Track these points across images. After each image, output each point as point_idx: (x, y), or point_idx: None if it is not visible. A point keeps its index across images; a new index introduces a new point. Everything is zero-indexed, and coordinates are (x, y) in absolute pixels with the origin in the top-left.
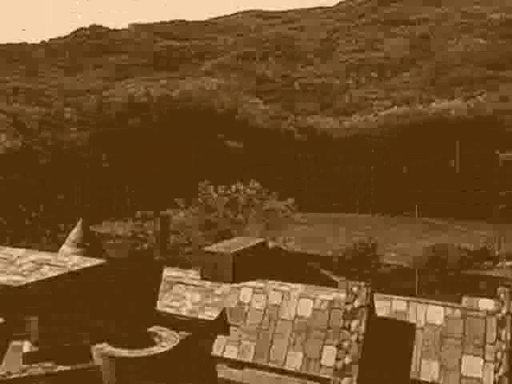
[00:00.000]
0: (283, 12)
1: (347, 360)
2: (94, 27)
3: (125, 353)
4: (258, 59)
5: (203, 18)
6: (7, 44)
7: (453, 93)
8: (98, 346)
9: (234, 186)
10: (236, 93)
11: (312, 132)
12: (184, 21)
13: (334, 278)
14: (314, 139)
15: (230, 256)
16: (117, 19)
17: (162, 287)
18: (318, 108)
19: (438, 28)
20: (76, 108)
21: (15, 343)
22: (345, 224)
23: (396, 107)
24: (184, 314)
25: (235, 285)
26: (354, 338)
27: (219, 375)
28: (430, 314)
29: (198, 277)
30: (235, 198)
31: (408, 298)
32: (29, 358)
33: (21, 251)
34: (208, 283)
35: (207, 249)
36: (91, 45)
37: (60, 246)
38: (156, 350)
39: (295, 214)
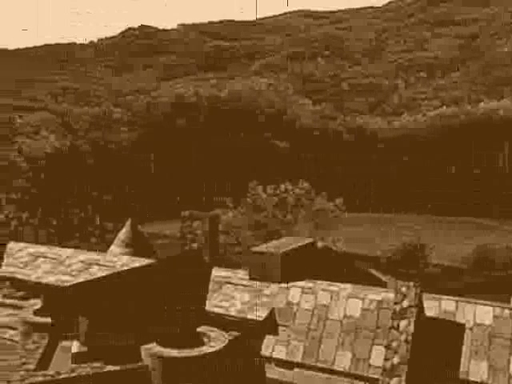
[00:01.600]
0: (331, 12)
1: (396, 360)
2: (142, 27)
3: (174, 353)
4: (306, 59)
5: (252, 18)
6: (56, 44)
7: (502, 93)
8: (146, 346)
9: (282, 186)
10: (284, 93)
11: (361, 132)
12: (233, 21)
13: (383, 278)
14: (362, 139)
15: (279, 256)
16: (165, 19)
17: (210, 287)
18: (367, 108)
19: (487, 28)
20: (125, 108)
21: (64, 343)
22: (393, 224)
23: (445, 107)
24: (233, 314)
25: (284, 285)
26: (402, 337)
27: (268, 375)
28: (478, 314)
29: (247, 277)
30: (284, 198)
31: (457, 298)
32: (77, 358)
33: (70, 251)
34: (257, 283)
35: (256, 249)
36: (140, 45)
37: (109, 246)
38: (205, 350)
39: (344, 214)
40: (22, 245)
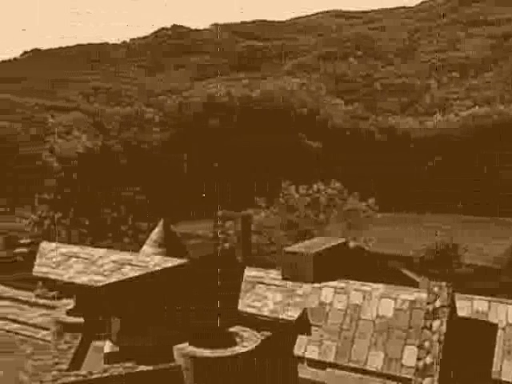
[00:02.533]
0: (364, 12)
1: (428, 360)
2: (175, 27)
3: (206, 353)
4: (338, 59)
5: (284, 18)
6: (88, 44)
7: None
8: (179, 345)
9: (315, 186)
10: (317, 93)
11: (393, 132)
12: (265, 21)
13: (416, 278)
14: (394, 139)
15: (311, 256)
16: (198, 19)
17: (243, 287)
18: (399, 108)
19: None
20: (157, 108)
21: (97, 343)
22: (425, 224)
23: (477, 107)
24: (265, 314)
25: (316, 285)
26: (435, 337)
27: (300, 375)
28: (511, 314)
29: (280, 277)
30: (316, 198)
31: (489, 298)
32: (110, 358)
33: (102, 251)
34: (289, 283)
35: (288, 249)
36: (172, 45)
37: (141, 246)
38: (237, 350)
39: (376, 214)
40: (54, 245)
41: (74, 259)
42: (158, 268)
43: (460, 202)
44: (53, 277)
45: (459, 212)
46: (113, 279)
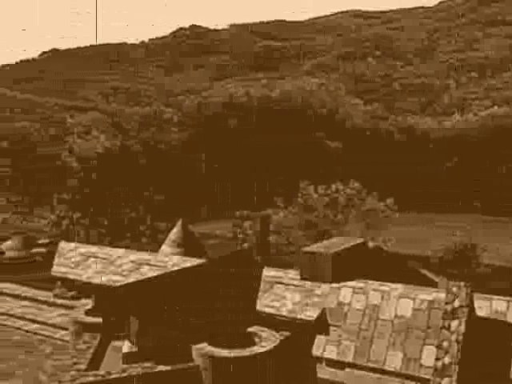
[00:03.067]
0: (382, 12)
1: (447, 360)
2: (193, 27)
3: (225, 353)
4: (357, 59)
5: (302, 18)
6: (106, 44)
7: None
8: (197, 345)
9: (333, 186)
10: (336, 93)
11: (412, 132)
12: (283, 21)
13: (434, 278)
14: (413, 139)
15: (330, 256)
16: (216, 19)
17: (261, 287)
18: (418, 108)
19: None
20: (176, 108)
21: (115, 343)
22: (443, 224)
23: (496, 107)
24: (284, 313)
25: (335, 285)
26: (453, 337)
27: (319, 375)
28: None
29: (298, 277)
30: (335, 198)
31: (508, 298)
32: (128, 358)
33: (120, 251)
34: (308, 283)
35: (306, 249)
36: (190, 45)
37: (160, 246)
38: (256, 350)
39: (395, 213)
40: (73, 245)
41: (92, 259)
42: (176, 268)
43: (478, 202)
44: (71, 277)
45: (478, 212)
46: (131, 279)
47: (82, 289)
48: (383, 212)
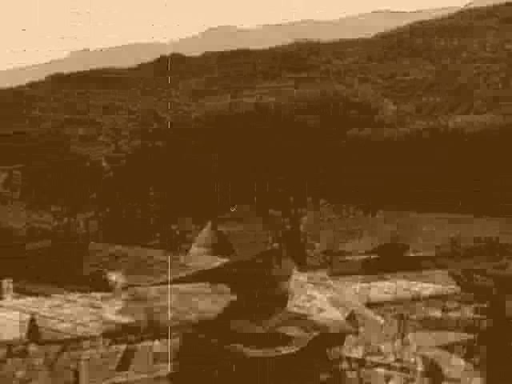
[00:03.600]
0: (412, 12)
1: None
2: (174, 55)
3: (257, 352)
4: (389, 59)
5: (333, 17)
6: (102, 69)
7: (469, 110)
8: (230, 345)
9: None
10: (368, 93)
11: (441, 131)
12: (313, 20)
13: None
14: (443, 138)
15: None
16: (247, 19)
17: (291, 287)
18: (448, 107)
19: (459, 56)
20: (161, 123)
21: (145, 343)
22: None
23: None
24: (313, 313)
25: (365, 285)
26: None
27: (348, 375)
28: None
29: (327, 277)
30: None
31: None
32: (158, 358)
33: (151, 251)
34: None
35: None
36: (171, 69)
37: (190, 246)
38: (286, 349)
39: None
40: (102, 245)
41: (122, 259)
42: (206, 268)
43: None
44: (102, 276)
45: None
46: (161, 279)
47: (112, 289)
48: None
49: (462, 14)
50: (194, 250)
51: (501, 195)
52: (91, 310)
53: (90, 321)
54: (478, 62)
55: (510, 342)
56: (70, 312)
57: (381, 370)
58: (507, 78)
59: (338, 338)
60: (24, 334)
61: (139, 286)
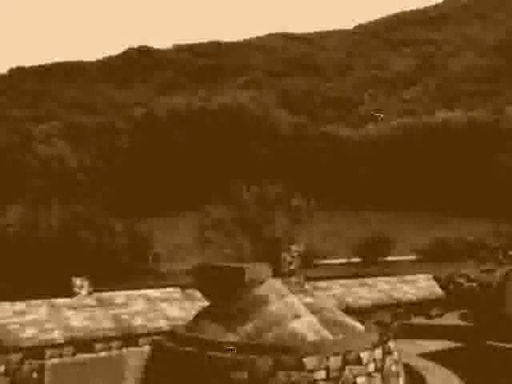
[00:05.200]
0: (307, 33)
1: None
2: (141, 47)
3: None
4: (284, 75)
5: (236, 38)
6: (65, 62)
7: (454, 105)
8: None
9: (263, 186)
10: (265, 105)
11: (331, 140)
12: (219, 41)
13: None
14: (333, 146)
15: None
16: (161, 40)
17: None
18: (337, 118)
19: (442, 48)
20: (126, 118)
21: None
22: (361, 219)
23: (405, 117)
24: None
25: None
26: None
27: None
28: None
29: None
30: (264, 195)
31: None
32: None
33: None
34: None
35: None
36: (139, 63)
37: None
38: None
39: (317, 211)
40: None
41: None
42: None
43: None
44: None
45: (392, 209)
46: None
47: None
48: (305, 209)
49: (351, 35)
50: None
51: (489, 195)
52: (55, 316)
53: (54, 328)
54: (463, 55)
55: (496, 350)
56: (33, 318)
57: (361, 380)
58: (495, 72)
59: (315, 346)
60: None
61: (105, 291)
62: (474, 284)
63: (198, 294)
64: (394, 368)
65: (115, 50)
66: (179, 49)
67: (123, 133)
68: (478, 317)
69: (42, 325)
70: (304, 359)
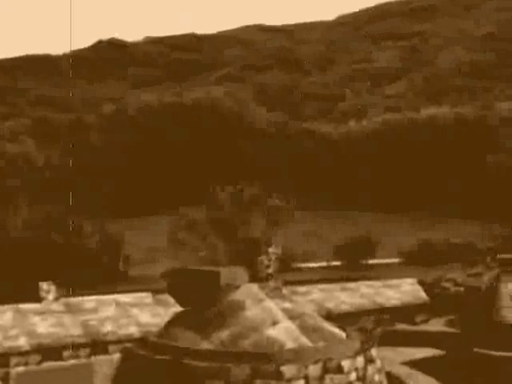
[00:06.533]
0: (285, 25)
1: None
2: (112, 40)
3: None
4: (262, 70)
5: (212, 31)
6: (33, 55)
7: (440, 101)
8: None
9: (239, 186)
10: (242, 100)
11: (312, 137)
12: (194, 34)
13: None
14: (313, 143)
15: None
16: (132, 33)
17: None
18: (318, 115)
19: (428, 41)
20: (95, 114)
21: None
22: (342, 220)
23: (389, 114)
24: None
25: None
26: None
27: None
28: None
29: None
30: (241, 196)
31: None
32: None
33: None
34: None
35: None
36: (109, 57)
37: None
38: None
39: (296, 211)
40: None
41: None
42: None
43: (376, 200)
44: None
45: (375, 210)
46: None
47: None
48: (285, 210)
49: (332, 28)
50: None
51: (478, 195)
52: (21, 322)
53: (19, 335)
54: (450, 49)
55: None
56: None
57: None
58: (484, 67)
59: (294, 354)
60: None
61: (74, 296)
62: (461, 288)
63: (171, 300)
64: (376, 377)
65: (84, 42)
66: (152, 41)
67: (93, 129)
68: (465, 323)
69: (6, 331)
70: (282, 367)
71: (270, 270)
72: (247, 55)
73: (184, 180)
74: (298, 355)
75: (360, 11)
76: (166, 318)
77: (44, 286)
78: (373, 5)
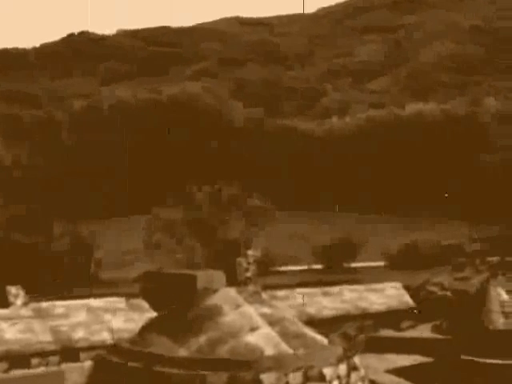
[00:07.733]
0: (265, 18)
1: None
2: (83, 33)
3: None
4: (240, 64)
5: (189, 24)
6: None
7: (426, 96)
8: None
9: (217, 186)
10: (220, 96)
11: (292, 134)
12: (169, 27)
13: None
14: (294, 140)
15: None
16: (104, 26)
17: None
18: (299, 111)
19: (414, 34)
20: (66, 111)
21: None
22: (325, 222)
23: (373, 110)
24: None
25: None
26: None
27: None
28: None
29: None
30: (219, 196)
31: None
32: None
33: None
34: None
35: None
36: (80, 51)
37: None
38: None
39: (275, 212)
40: None
41: None
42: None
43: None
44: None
45: (356, 211)
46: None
47: None
48: (265, 210)
49: (313, 21)
50: None
51: (466, 195)
52: None
53: None
54: (436, 43)
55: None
56: None
57: None
58: (472, 61)
59: (274, 361)
60: None
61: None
62: (448, 293)
63: (146, 304)
64: None
65: (54, 36)
66: (124, 34)
67: (64, 127)
68: (452, 329)
69: None
70: (261, 375)
71: (249, 274)
72: (226, 49)
73: (160, 179)
74: (277, 362)
75: (343, 2)
76: (140, 324)
77: (12, 290)
78: None
